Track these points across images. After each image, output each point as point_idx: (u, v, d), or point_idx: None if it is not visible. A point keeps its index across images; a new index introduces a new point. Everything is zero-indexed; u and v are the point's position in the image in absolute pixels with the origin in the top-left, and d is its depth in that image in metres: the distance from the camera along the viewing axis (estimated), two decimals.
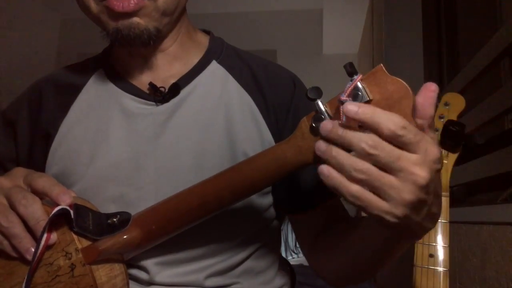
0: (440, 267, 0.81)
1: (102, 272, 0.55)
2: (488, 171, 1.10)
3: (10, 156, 0.72)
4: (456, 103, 0.86)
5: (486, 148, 1.11)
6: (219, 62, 0.73)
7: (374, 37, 2.50)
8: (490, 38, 1.13)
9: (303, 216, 0.72)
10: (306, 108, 0.68)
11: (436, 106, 0.87)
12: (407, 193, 0.41)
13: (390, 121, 0.40)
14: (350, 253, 0.62)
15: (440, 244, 0.82)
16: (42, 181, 0.57)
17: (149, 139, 0.67)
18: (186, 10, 0.73)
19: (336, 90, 0.46)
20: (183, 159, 0.66)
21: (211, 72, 0.72)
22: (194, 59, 0.72)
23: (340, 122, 0.43)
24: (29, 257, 0.53)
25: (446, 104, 0.86)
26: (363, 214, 0.45)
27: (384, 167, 0.41)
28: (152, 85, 0.68)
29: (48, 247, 0.54)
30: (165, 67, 0.71)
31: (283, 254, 2.71)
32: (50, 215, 0.53)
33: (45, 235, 0.53)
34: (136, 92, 0.69)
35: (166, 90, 0.68)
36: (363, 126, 0.41)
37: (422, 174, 0.40)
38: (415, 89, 0.43)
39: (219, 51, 0.74)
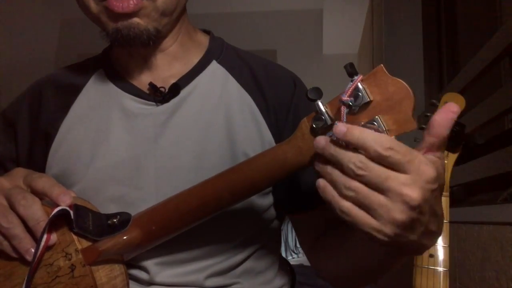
0: (440, 267, 0.81)
1: (102, 272, 0.55)
2: (488, 171, 1.10)
3: (10, 156, 0.72)
4: (456, 103, 0.86)
5: (486, 148, 1.11)
6: (219, 62, 0.73)
7: (374, 37, 2.50)
8: (490, 38, 1.13)
9: (304, 216, 0.72)
10: (307, 108, 0.68)
11: (436, 106, 0.86)
12: (398, 213, 0.40)
13: (376, 142, 0.40)
14: (350, 256, 0.62)
15: (440, 244, 0.82)
16: (42, 182, 0.57)
17: (149, 139, 0.67)
18: (186, 10, 0.73)
19: (336, 90, 0.46)
20: (183, 159, 0.66)
21: (211, 72, 0.72)
22: (194, 59, 0.72)
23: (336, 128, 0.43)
24: (29, 258, 0.53)
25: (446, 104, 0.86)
26: None
27: (374, 187, 0.41)
28: (152, 85, 0.68)
29: (48, 247, 0.54)
30: (165, 67, 0.71)
31: (283, 254, 2.71)
32: (50, 216, 0.53)
33: (45, 236, 0.53)
34: (136, 92, 0.69)
35: (166, 90, 0.68)
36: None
37: (412, 194, 0.40)
38: (415, 90, 0.42)
39: (219, 51, 0.74)
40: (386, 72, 0.43)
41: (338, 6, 3.04)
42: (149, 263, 0.64)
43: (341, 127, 0.42)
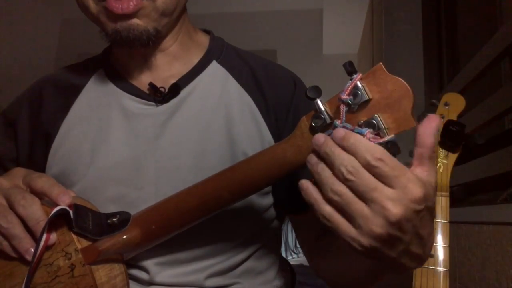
0: (440, 267, 0.81)
1: (102, 272, 0.55)
2: (488, 171, 1.10)
3: (10, 156, 0.72)
4: (456, 103, 0.86)
5: (486, 148, 1.11)
6: (219, 62, 0.73)
7: (374, 37, 2.50)
8: (490, 38, 1.13)
9: (304, 217, 0.72)
10: (307, 108, 0.68)
11: (436, 106, 0.86)
12: (376, 226, 0.40)
13: (368, 151, 0.40)
14: (346, 259, 0.62)
15: (440, 244, 0.82)
16: (41, 182, 0.57)
17: (149, 140, 0.67)
18: (187, 10, 0.73)
19: (336, 90, 0.45)
20: (183, 159, 0.66)
21: (211, 72, 0.72)
22: (194, 59, 0.72)
23: (339, 122, 0.43)
24: (29, 258, 0.53)
25: (446, 104, 0.86)
26: None
27: (360, 195, 0.41)
28: (152, 85, 0.68)
29: (47, 247, 0.54)
30: (165, 67, 0.71)
31: (283, 254, 2.71)
32: (50, 216, 0.53)
33: (44, 236, 0.53)
34: (136, 92, 0.69)
35: (166, 90, 0.68)
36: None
37: (394, 210, 0.40)
38: (415, 90, 0.42)
39: (219, 51, 0.74)
40: (385, 70, 0.43)
41: (338, 6, 3.04)
42: (149, 263, 0.64)
43: (340, 132, 0.42)
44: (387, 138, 0.42)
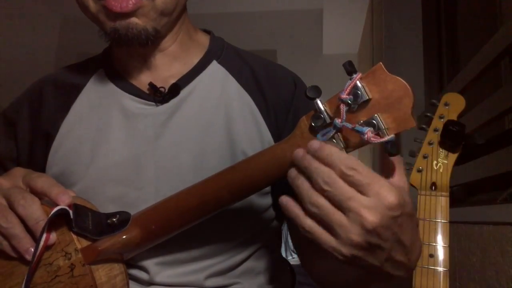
0: (440, 267, 0.80)
1: (101, 272, 0.55)
2: (488, 171, 1.10)
3: (10, 156, 0.72)
4: (456, 103, 0.86)
5: (486, 148, 1.11)
6: (219, 62, 0.73)
7: (374, 37, 2.50)
8: (490, 38, 1.13)
9: None
10: (307, 108, 0.67)
11: (436, 106, 0.86)
12: (354, 235, 0.41)
13: (341, 161, 0.42)
14: (333, 266, 0.61)
15: (440, 244, 0.82)
16: (41, 181, 0.57)
17: (149, 139, 0.67)
18: (187, 10, 0.73)
19: (336, 90, 0.45)
20: (183, 159, 0.66)
21: (211, 72, 0.71)
22: (194, 59, 0.72)
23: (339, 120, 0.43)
24: (29, 257, 0.53)
25: (446, 104, 0.86)
26: None
27: (337, 205, 0.42)
28: (152, 85, 0.68)
29: (47, 247, 0.54)
30: (165, 67, 0.71)
31: (283, 254, 2.71)
32: (49, 215, 0.53)
33: (44, 235, 0.53)
34: (136, 92, 0.69)
35: (166, 90, 0.68)
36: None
37: (369, 218, 0.40)
38: (415, 90, 0.42)
39: (219, 51, 0.74)
40: (385, 70, 0.43)
41: (338, 6, 3.04)
42: (149, 263, 0.64)
43: (315, 144, 0.43)
44: (387, 138, 0.43)
